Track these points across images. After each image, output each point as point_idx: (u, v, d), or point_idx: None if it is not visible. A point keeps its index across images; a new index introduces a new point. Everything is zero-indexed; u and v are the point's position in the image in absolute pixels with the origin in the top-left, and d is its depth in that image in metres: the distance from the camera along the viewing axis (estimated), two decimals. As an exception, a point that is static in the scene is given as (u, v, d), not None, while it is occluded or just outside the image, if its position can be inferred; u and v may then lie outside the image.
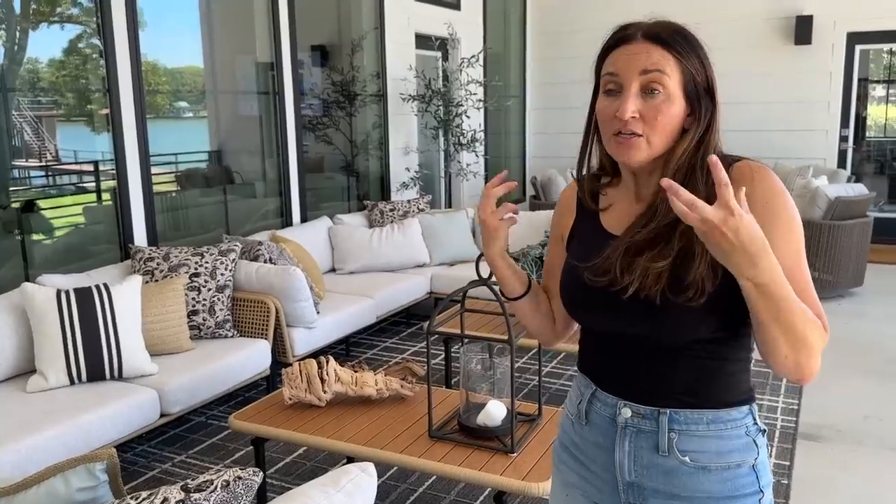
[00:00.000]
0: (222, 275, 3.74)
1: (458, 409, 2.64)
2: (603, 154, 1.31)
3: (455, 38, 6.84)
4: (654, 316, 1.15)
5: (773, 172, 1.16)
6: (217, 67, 5.71)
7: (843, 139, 7.36)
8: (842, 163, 7.41)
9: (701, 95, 1.17)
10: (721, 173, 0.97)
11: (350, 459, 3.31)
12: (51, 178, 5.11)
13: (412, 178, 6.51)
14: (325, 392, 2.84)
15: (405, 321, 5.40)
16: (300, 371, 2.86)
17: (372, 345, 4.94)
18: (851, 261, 5.70)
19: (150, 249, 3.74)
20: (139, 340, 3.22)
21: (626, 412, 1.23)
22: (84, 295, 3.16)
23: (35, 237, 4.24)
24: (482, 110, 7.13)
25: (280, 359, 3.88)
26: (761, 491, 1.20)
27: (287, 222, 5.30)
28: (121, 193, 4.01)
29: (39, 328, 3.07)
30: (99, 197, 4.76)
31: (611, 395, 1.26)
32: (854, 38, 7.16)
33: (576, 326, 1.43)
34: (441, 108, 6.50)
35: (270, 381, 3.84)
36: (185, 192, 5.37)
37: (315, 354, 4.49)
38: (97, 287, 3.22)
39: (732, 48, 7.31)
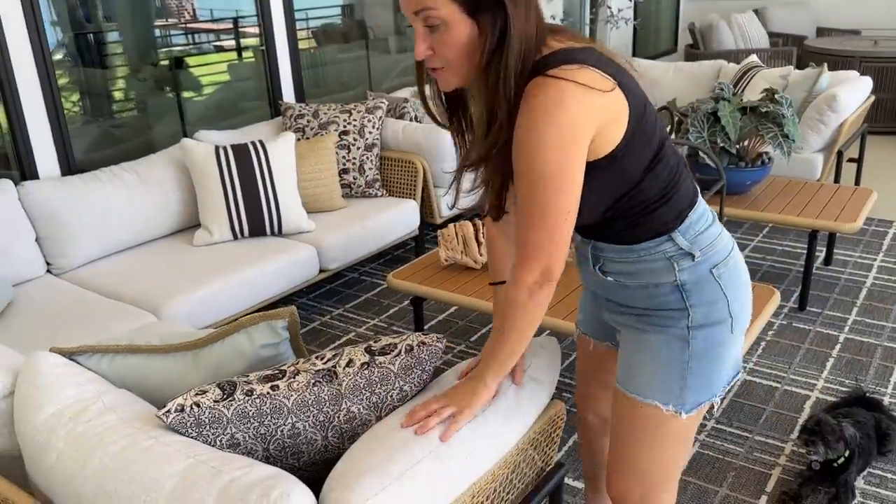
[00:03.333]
0: (370, 133, 3.65)
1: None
2: None
3: None
4: None
5: (552, 102, 1.13)
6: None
7: None
8: None
9: (483, 6, 1.15)
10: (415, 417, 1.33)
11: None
12: (192, 37, 5.11)
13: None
14: (481, 255, 2.76)
15: (549, 182, 5.20)
16: (456, 233, 2.78)
17: (516, 206, 4.80)
18: None
19: (300, 106, 3.69)
20: (296, 198, 3.23)
21: (577, 238, 1.46)
22: (241, 151, 3.17)
23: (185, 94, 4.29)
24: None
25: (427, 220, 3.83)
26: (688, 308, 1.34)
27: (428, 78, 5.10)
28: (268, 49, 3.94)
29: (201, 184, 3.13)
30: (240, 55, 4.73)
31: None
32: None
33: None
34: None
35: (419, 242, 3.81)
36: (323, 49, 5.24)
37: (459, 216, 4.43)
38: (253, 144, 3.21)
39: None
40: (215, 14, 5.16)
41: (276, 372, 1.42)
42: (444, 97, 1.34)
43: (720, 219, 2.56)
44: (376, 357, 1.43)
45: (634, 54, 6.89)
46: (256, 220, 3.14)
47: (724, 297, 1.34)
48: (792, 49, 6.35)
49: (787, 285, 3.48)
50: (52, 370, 1.46)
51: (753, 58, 4.83)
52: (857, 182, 4.66)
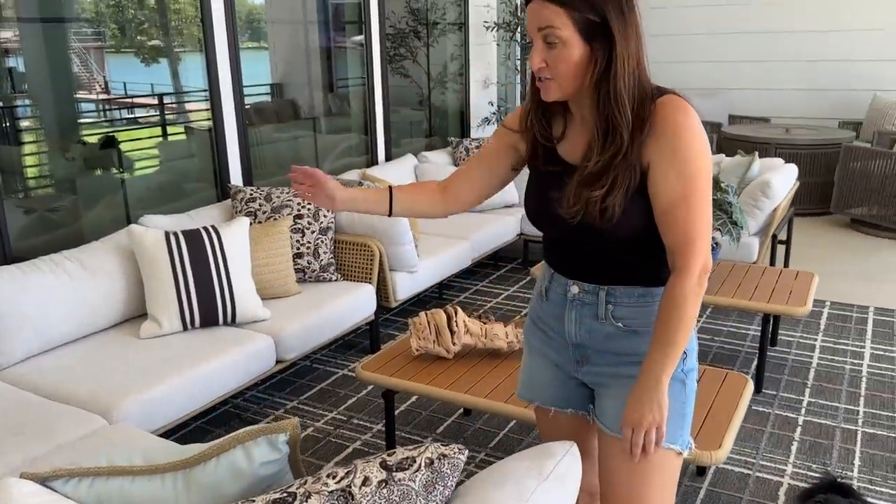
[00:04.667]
0: (325, 216, 3.57)
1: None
2: None
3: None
4: (594, 231, 1.43)
5: (691, 111, 1.37)
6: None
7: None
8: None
9: (596, 34, 1.34)
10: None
11: (467, 411, 3.18)
12: (131, 111, 4.94)
13: (493, 113, 6.22)
14: (454, 344, 2.69)
15: (492, 263, 5.22)
16: (428, 322, 2.71)
17: (463, 288, 4.78)
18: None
19: (251, 189, 3.59)
20: (250, 284, 3.09)
21: (574, 289, 1.53)
22: (194, 237, 3.03)
23: (125, 176, 4.11)
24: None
25: (382, 303, 3.74)
26: (685, 353, 1.48)
27: (373, 160, 5.10)
28: (216, 129, 3.83)
29: (150, 272, 2.96)
30: (165, 132, 4.59)
31: (564, 276, 1.55)
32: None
33: (470, 202, 1.69)
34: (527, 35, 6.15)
35: (374, 326, 3.71)
36: (257, 129, 5.18)
37: (415, 299, 4.36)
38: (206, 230, 3.08)
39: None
40: (129, 88, 5.01)
41: (286, 495, 1.30)
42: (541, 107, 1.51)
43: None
44: (394, 473, 1.33)
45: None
46: (209, 310, 2.97)
47: (695, 347, 1.56)
48: (712, 136, 6.71)
49: (739, 367, 3.55)
50: (26, 500, 1.29)
51: (686, 145, 5.05)
52: (787, 263, 4.88)
